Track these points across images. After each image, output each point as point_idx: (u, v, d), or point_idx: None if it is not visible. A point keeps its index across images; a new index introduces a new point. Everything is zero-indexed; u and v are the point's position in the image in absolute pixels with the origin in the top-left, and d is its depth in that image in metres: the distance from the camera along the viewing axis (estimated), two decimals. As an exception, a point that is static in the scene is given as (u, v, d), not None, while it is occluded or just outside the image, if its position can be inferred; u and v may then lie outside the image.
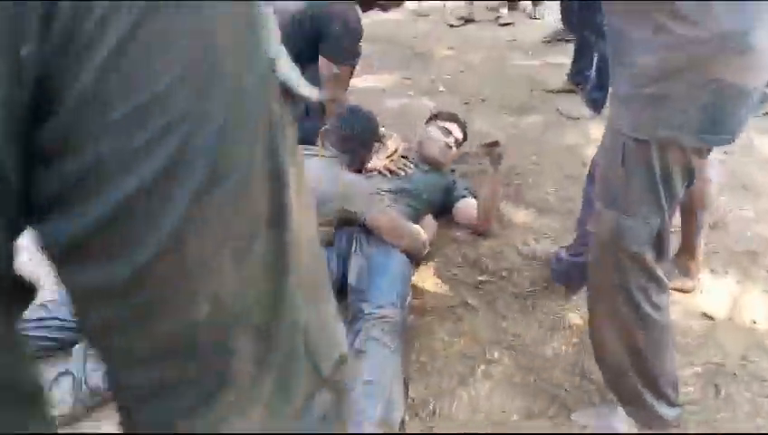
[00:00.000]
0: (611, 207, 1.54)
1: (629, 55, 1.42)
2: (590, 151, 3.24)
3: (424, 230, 2.53)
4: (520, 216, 2.84)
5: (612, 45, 1.51)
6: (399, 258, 2.27)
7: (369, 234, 2.34)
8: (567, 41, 4.83)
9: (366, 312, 2.05)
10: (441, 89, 4.37)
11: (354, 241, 2.35)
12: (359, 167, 2.57)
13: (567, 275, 2.25)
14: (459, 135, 2.94)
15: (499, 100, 4.10)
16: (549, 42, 5.11)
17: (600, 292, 1.68)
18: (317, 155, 2.40)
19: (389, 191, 2.59)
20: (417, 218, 2.60)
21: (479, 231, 2.68)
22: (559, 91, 4.13)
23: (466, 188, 2.86)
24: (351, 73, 3.04)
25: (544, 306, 2.29)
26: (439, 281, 2.44)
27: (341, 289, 2.25)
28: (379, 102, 4.17)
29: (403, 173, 2.75)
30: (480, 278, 2.44)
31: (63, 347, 2.00)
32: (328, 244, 2.33)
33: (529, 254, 2.52)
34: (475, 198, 2.80)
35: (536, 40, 5.21)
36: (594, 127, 3.56)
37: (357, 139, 2.52)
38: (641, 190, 1.48)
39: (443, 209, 2.80)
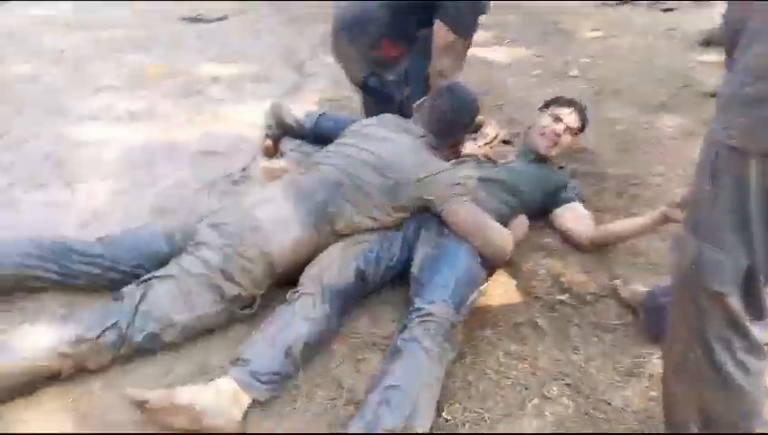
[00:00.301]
0: (694, 234, 1.23)
1: (741, 52, 1.12)
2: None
3: (511, 232, 2.27)
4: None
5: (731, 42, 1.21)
6: (471, 257, 2.04)
7: (444, 224, 2.12)
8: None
9: (415, 307, 1.86)
10: (574, 73, 3.95)
11: (423, 229, 2.14)
12: (448, 151, 2.32)
13: (656, 318, 1.91)
14: (574, 124, 2.56)
15: (637, 94, 3.63)
16: (706, 43, 4.42)
17: (675, 335, 1.38)
18: (406, 131, 2.19)
19: (481, 180, 2.34)
20: (509, 216, 2.34)
21: (584, 247, 2.37)
22: (714, 96, 3.58)
23: (576, 192, 2.53)
24: (466, 48, 2.76)
25: (626, 346, 1.96)
26: (512, 291, 2.17)
27: (403, 275, 2.08)
28: (498, 78, 3.86)
29: (502, 161, 2.48)
30: (559, 298, 2.14)
31: (111, 287, 2.00)
32: (396, 227, 2.15)
33: (617, 287, 2.18)
34: (583, 202, 2.47)
35: (701, 31, 4.57)
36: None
37: (451, 121, 2.26)
38: (729, 213, 1.15)
39: (543, 210, 2.50)
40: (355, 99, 3.06)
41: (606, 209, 2.60)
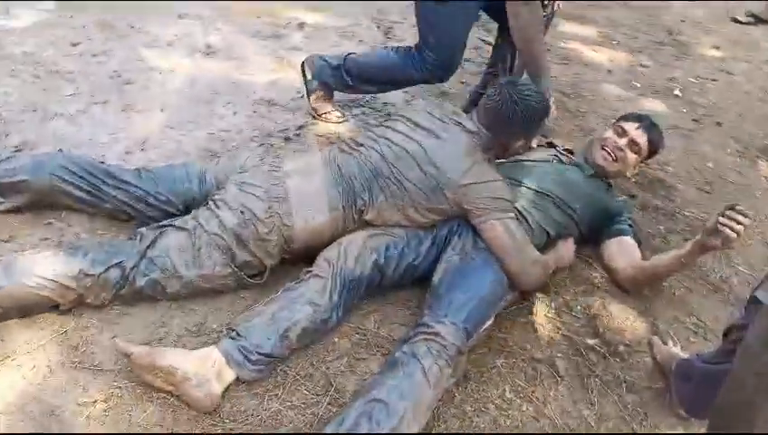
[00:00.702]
0: None
1: None
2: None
3: (554, 258, 2.09)
4: (686, 292, 2.24)
5: None
6: (498, 280, 1.89)
7: (479, 236, 1.97)
8: None
9: (425, 321, 1.75)
10: (677, 93, 3.61)
11: (456, 235, 2.00)
12: (499, 150, 2.11)
13: (688, 390, 1.72)
14: (640, 140, 2.29)
15: (739, 130, 3.28)
16: None
17: (733, 418, 1.21)
18: (459, 126, 2.01)
19: (531, 190, 2.16)
20: (556, 237, 2.16)
21: (624, 286, 2.17)
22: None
23: (631, 224, 2.30)
24: (546, 24, 2.53)
25: (648, 412, 1.79)
26: (539, 322, 2.01)
27: (425, 278, 1.96)
28: (591, 83, 3.58)
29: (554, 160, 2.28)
30: (589, 342, 1.97)
31: (137, 218, 1.99)
32: (429, 227, 2.01)
33: (653, 344, 1.98)
34: (638, 240, 2.25)
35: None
36: None
37: (506, 118, 1.97)
38: None
39: (593, 237, 2.29)
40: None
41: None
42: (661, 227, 2.49)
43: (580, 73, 3.66)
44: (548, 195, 2.16)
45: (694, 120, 3.33)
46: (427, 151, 1.94)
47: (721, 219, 1.83)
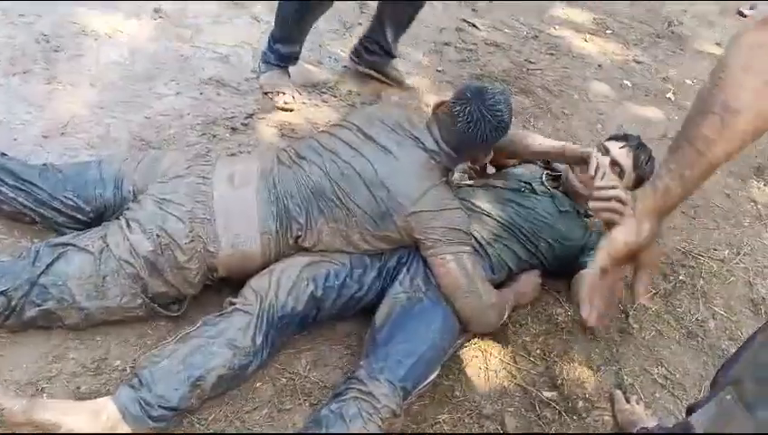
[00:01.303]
0: None
1: None
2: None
3: (514, 295, 1.90)
4: (657, 336, 2.06)
5: None
6: (446, 323, 1.69)
7: (428, 267, 1.76)
8: None
9: (359, 375, 1.55)
10: (670, 96, 3.39)
11: (405, 266, 1.79)
12: (462, 169, 1.88)
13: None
14: (624, 161, 1.98)
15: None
16: None
17: None
18: (415, 141, 1.76)
19: (494, 220, 1.94)
20: (518, 271, 1.97)
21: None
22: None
23: None
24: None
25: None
26: (491, 368, 1.83)
27: (370, 309, 1.76)
28: (579, 78, 3.33)
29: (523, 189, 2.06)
30: (545, 395, 1.79)
31: (41, 222, 1.77)
32: (376, 254, 1.80)
33: (615, 399, 1.81)
34: None
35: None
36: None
37: (475, 136, 1.74)
38: None
39: (563, 270, 2.08)
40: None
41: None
42: (637, 258, 2.30)
43: (568, 67, 3.41)
44: (512, 228, 1.94)
45: (685, 130, 3.11)
46: (378, 171, 1.70)
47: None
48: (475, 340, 1.88)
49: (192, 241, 1.61)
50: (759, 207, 2.71)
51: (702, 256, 2.38)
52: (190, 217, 1.62)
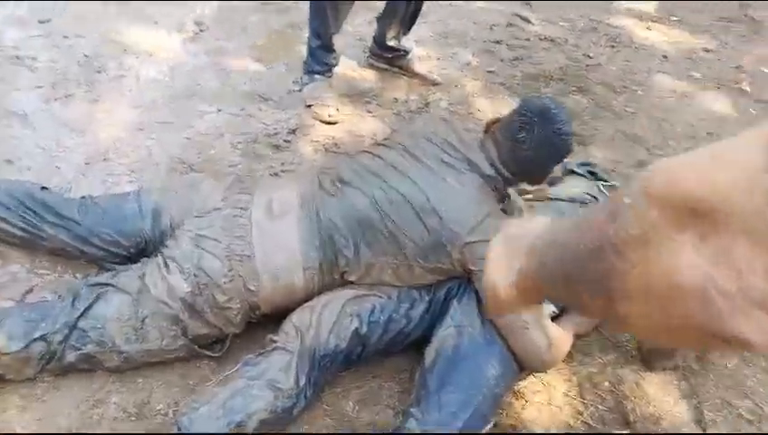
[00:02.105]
0: None
1: None
2: None
3: (574, 326, 1.76)
4: (741, 365, 1.89)
5: None
6: (502, 368, 1.57)
7: (479, 299, 1.65)
8: None
9: (408, 426, 1.45)
10: (745, 87, 3.14)
11: (456, 299, 1.68)
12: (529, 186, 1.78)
13: None
14: None
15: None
16: None
17: None
18: (468, 163, 1.65)
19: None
20: None
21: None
22: None
23: None
24: None
25: None
26: (553, 403, 1.70)
27: (421, 342, 1.66)
28: (642, 72, 3.12)
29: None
30: (614, 432, 1.66)
31: (81, 257, 1.75)
32: (425, 286, 1.69)
33: None
34: None
35: None
36: None
37: (547, 164, 1.68)
38: None
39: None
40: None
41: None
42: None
43: (630, 61, 3.21)
44: None
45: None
46: (429, 197, 1.60)
47: None
48: (540, 377, 1.75)
49: (231, 280, 1.54)
50: None
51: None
52: (228, 254, 1.56)
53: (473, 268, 1.60)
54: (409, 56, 2.79)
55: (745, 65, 3.33)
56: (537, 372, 1.67)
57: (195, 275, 1.53)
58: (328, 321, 1.58)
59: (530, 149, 1.61)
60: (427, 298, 1.68)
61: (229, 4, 3.12)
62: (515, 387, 1.69)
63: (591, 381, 1.77)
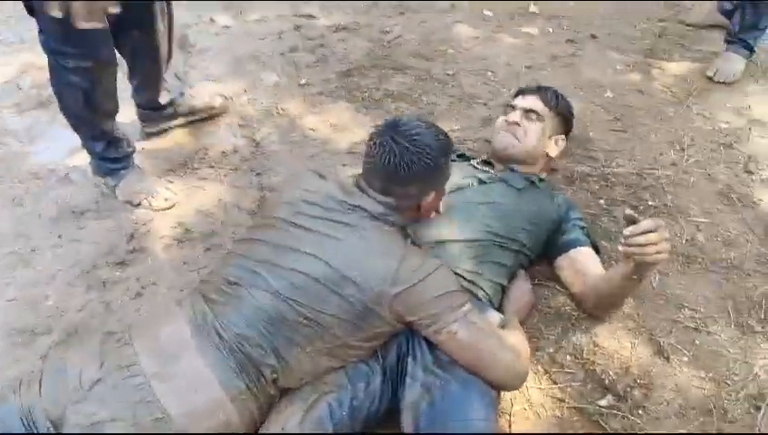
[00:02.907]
0: None
1: None
2: (759, 147, 2.27)
3: (516, 318, 1.71)
4: (663, 278, 1.96)
5: None
6: (484, 402, 1.46)
7: (435, 346, 1.53)
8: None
9: None
10: (533, 9, 3.27)
11: (409, 356, 1.54)
12: (412, 215, 1.64)
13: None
14: (534, 105, 2.01)
15: (617, 37, 3.03)
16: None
17: None
18: (354, 211, 1.50)
19: (466, 242, 1.73)
20: (509, 280, 1.80)
21: (593, 315, 1.85)
22: (701, 27, 3.05)
23: (582, 225, 1.93)
24: None
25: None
26: (534, 402, 1.65)
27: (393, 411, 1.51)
28: (446, 28, 3.14)
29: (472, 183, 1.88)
30: (602, 405, 1.64)
31: None
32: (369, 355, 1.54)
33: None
34: (595, 247, 1.91)
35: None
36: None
37: (409, 176, 1.48)
38: None
39: (545, 254, 1.94)
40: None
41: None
42: (601, 201, 2.19)
43: (425, 21, 3.20)
44: (485, 239, 1.75)
45: (568, 40, 3.02)
46: (335, 267, 1.42)
47: (627, 250, 1.49)
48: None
49: None
50: (674, 90, 2.68)
51: (654, 168, 2.31)
52: (137, 428, 1.29)
53: (411, 319, 1.46)
54: (185, 96, 2.53)
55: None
56: (518, 387, 1.59)
57: None
58: None
59: (379, 156, 1.46)
60: (378, 367, 1.52)
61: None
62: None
63: (555, 362, 1.75)
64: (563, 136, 2.09)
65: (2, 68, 2.87)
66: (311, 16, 3.25)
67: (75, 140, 2.16)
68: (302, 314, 1.40)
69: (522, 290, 1.82)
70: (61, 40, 1.82)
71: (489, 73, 2.80)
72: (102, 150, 2.14)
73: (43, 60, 1.94)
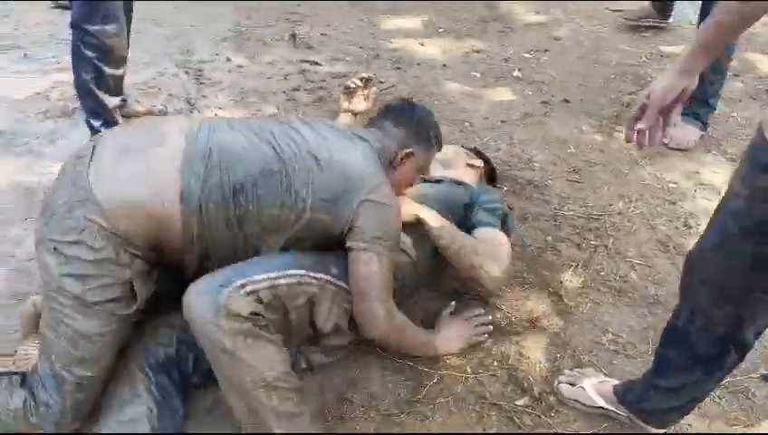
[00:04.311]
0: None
1: None
2: (700, 205, 2.52)
3: (438, 339, 1.95)
4: (594, 306, 2.17)
5: None
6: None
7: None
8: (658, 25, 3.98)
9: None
10: (516, 74, 3.60)
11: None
12: (407, 177, 1.96)
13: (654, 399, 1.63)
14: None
15: (588, 103, 3.32)
16: (636, 23, 4.16)
17: None
18: (361, 138, 1.82)
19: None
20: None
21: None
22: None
23: (494, 208, 2.07)
24: None
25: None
26: (453, 399, 1.84)
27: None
28: (436, 83, 3.46)
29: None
30: (518, 404, 1.83)
31: None
32: None
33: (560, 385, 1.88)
34: (505, 231, 2.08)
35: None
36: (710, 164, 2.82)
37: (420, 125, 1.92)
38: None
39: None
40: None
41: (565, 264, 2.29)
42: (549, 238, 2.41)
43: (417, 76, 3.53)
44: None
45: (542, 102, 3.32)
46: (331, 151, 1.69)
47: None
48: (435, 379, 1.88)
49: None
50: (631, 152, 2.94)
51: (602, 215, 2.54)
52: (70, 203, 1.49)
53: (357, 226, 1.66)
54: (129, 102, 2.87)
55: (511, 55, 3.82)
56: (366, 336, 1.77)
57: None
58: None
59: (396, 109, 1.93)
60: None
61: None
62: (425, 399, 1.80)
63: (482, 365, 1.94)
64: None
65: (36, 81, 3.21)
66: (316, 63, 3.60)
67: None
68: (285, 172, 1.62)
69: (454, 328, 1.99)
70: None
71: (467, 124, 3.09)
72: (99, 127, 2.55)
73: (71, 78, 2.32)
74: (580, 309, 2.14)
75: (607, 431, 1.76)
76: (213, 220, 1.56)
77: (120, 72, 2.57)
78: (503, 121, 3.12)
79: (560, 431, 1.76)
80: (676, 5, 4.04)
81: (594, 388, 1.80)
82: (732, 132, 3.09)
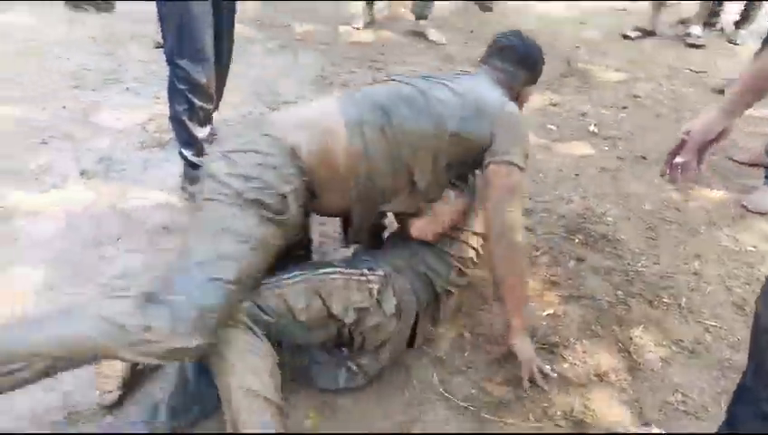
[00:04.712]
0: None
1: None
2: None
3: None
4: (665, 365, 2.13)
5: None
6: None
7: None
8: None
9: None
10: (593, 129, 3.62)
11: None
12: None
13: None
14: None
15: (662, 161, 3.28)
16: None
17: None
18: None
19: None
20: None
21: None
22: (748, 165, 3.28)
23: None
24: None
25: None
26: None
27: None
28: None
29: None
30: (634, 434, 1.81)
31: None
32: None
33: None
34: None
35: (733, 73, 4.25)
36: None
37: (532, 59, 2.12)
38: None
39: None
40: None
41: (635, 321, 2.27)
42: (619, 292, 2.40)
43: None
44: None
45: (618, 157, 3.32)
46: (463, 84, 1.93)
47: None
48: (498, 428, 1.88)
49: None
50: (709, 212, 2.90)
51: (676, 274, 2.50)
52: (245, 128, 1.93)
53: (502, 137, 1.84)
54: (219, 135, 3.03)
55: (588, 110, 3.84)
56: (503, 253, 1.88)
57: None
58: None
59: (503, 40, 2.11)
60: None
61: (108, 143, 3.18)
62: None
63: (547, 414, 1.93)
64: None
65: (134, 113, 3.47)
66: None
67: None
68: (425, 97, 1.88)
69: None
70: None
71: (540, 174, 3.12)
72: (191, 157, 2.72)
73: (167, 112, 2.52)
74: (649, 366, 2.10)
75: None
76: (371, 138, 1.77)
77: (209, 105, 2.76)
78: (576, 175, 3.14)
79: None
80: None
81: None
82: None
